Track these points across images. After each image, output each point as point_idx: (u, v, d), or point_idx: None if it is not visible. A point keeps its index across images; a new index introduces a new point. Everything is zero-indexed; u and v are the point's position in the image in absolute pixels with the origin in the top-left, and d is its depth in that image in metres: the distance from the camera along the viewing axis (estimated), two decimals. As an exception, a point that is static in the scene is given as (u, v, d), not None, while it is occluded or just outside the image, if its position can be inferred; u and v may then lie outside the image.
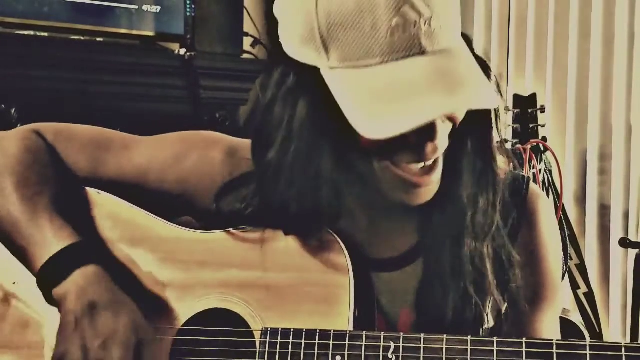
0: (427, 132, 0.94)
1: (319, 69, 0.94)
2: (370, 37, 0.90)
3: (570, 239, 2.68)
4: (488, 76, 1.00)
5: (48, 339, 1.10)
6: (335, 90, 0.93)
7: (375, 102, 0.90)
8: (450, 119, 0.98)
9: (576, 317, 2.62)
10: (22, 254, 1.07)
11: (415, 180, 0.98)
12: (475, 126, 1.03)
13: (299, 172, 0.98)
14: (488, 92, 0.93)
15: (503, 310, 1.09)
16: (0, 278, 1.14)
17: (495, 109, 1.03)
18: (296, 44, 0.95)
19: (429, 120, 0.89)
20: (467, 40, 0.99)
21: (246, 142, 1.15)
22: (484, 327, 1.08)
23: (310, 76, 0.95)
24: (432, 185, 1.00)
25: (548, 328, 1.14)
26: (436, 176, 1.00)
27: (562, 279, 2.59)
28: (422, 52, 0.90)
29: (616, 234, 2.91)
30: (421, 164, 0.98)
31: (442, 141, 0.97)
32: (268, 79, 1.01)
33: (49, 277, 1.04)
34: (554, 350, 0.93)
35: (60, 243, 1.04)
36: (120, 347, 0.99)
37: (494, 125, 1.04)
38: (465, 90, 0.90)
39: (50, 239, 1.05)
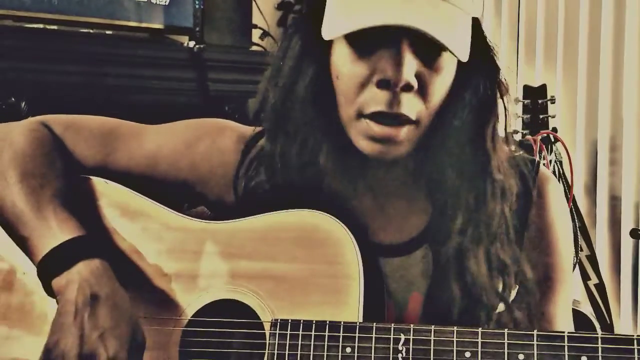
0: (391, 76, 0.96)
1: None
2: None
3: (581, 230, 2.67)
4: (495, 59, 1.05)
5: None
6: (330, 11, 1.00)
7: (346, 10, 0.97)
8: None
9: (587, 309, 2.62)
10: (24, 244, 1.07)
11: (379, 132, 0.99)
12: (491, 107, 1.05)
13: (281, 99, 1.06)
14: (463, 42, 0.98)
15: (514, 293, 1.09)
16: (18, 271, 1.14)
17: (504, 94, 1.05)
18: None
19: (377, 24, 0.94)
20: (477, 23, 1.00)
21: (256, 130, 1.16)
22: (495, 311, 1.08)
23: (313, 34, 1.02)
24: (397, 144, 1.01)
25: (560, 310, 1.14)
26: (402, 136, 1.00)
27: (573, 270, 2.59)
28: None
29: (627, 225, 2.90)
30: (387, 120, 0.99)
31: (409, 99, 0.98)
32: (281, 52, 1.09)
33: (50, 267, 1.03)
34: (566, 343, 0.92)
35: (65, 234, 1.04)
36: (117, 341, 0.99)
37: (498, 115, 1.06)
38: (439, 22, 0.95)
39: (55, 230, 1.05)
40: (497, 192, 1.06)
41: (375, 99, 0.98)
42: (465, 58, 0.98)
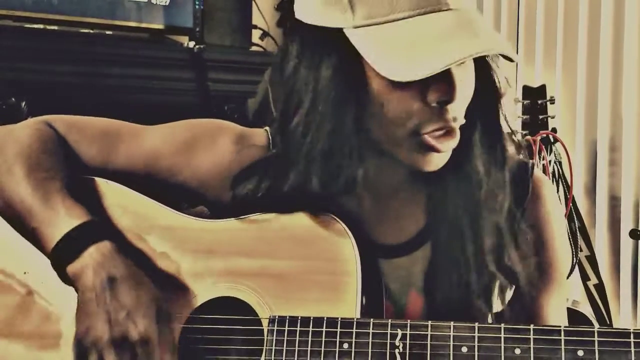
0: (447, 93, 0.97)
1: (340, 31, 0.98)
2: None
3: (581, 231, 2.67)
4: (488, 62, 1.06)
5: (65, 331, 1.10)
6: (362, 46, 0.97)
7: (404, 49, 0.95)
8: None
9: (586, 309, 2.62)
10: (35, 235, 1.07)
11: (433, 143, 1.00)
12: (483, 104, 1.05)
13: (325, 132, 1.01)
14: (506, 43, 0.99)
15: (510, 292, 1.10)
16: (18, 272, 1.14)
17: (499, 88, 1.06)
18: (319, 7, 0.99)
19: (457, 60, 0.93)
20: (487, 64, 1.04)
21: (254, 130, 1.17)
22: (492, 310, 1.09)
23: (331, 39, 0.99)
24: (447, 151, 1.02)
25: (555, 310, 1.14)
26: (452, 144, 1.02)
27: (572, 270, 2.59)
28: (447, 8, 0.96)
29: (626, 225, 2.90)
30: (441, 131, 1.00)
31: (459, 107, 1.00)
32: (285, 53, 1.04)
33: (63, 255, 1.04)
34: (562, 337, 0.92)
35: (74, 220, 1.05)
36: (145, 317, 1.00)
37: (499, 102, 1.07)
38: (486, 36, 0.96)
39: (63, 218, 1.05)
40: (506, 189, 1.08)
41: (433, 118, 0.99)
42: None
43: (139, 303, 1.01)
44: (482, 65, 1.04)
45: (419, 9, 0.95)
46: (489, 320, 1.09)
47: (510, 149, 1.12)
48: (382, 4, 0.96)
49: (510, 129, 1.12)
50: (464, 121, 1.02)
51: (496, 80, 1.06)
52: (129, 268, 1.04)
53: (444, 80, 0.96)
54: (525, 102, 2.76)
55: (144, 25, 2.75)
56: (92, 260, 1.02)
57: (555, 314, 1.14)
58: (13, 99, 2.48)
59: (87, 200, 1.11)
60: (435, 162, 1.02)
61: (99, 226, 1.07)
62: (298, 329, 1.01)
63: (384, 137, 1.02)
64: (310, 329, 1.00)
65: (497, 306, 1.10)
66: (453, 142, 1.02)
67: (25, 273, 1.13)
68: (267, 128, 1.17)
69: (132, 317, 0.99)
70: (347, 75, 0.99)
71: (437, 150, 1.00)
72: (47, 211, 1.06)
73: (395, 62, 0.95)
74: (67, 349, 1.08)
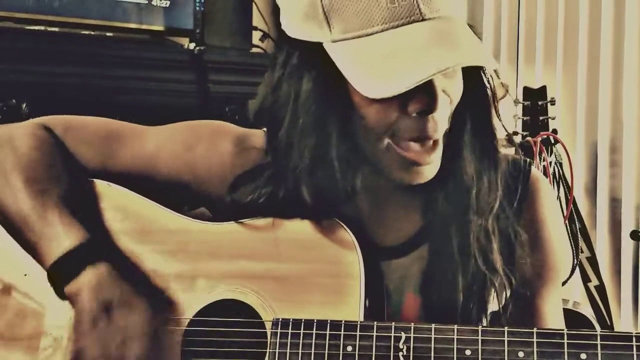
0: (427, 104, 0.96)
1: (322, 44, 0.97)
2: (371, 7, 0.93)
3: (581, 232, 2.67)
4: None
5: (47, 329, 1.10)
6: (339, 60, 0.96)
7: (379, 64, 0.93)
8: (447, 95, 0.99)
9: (587, 310, 2.62)
10: (33, 248, 1.08)
11: (415, 158, 0.99)
12: (474, 106, 1.05)
13: (308, 146, 1.01)
14: (485, 53, 0.97)
15: (508, 292, 1.10)
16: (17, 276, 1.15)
17: (492, 89, 1.06)
18: (299, 22, 0.99)
19: (431, 74, 0.91)
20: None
21: (254, 132, 1.16)
22: (488, 310, 1.09)
23: (313, 53, 0.98)
24: (432, 164, 1.01)
25: (553, 310, 1.14)
26: (436, 155, 1.01)
27: (573, 271, 2.59)
28: (421, 18, 0.94)
29: (627, 226, 2.90)
30: (421, 144, 0.99)
31: (441, 117, 0.99)
32: (274, 62, 1.04)
33: (60, 274, 1.05)
34: (565, 341, 0.93)
35: (71, 240, 1.05)
36: (138, 342, 1.01)
37: (492, 104, 1.06)
38: (463, 47, 0.94)
39: (61, 235, 1.06)
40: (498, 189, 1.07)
41: (413, 127, 0.98)
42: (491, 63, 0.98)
43: (133, 328, 1.02)
44: (474, 67, 1.03)
45: (393, 22, 0.93)
46: (484, 321, 1.09)
47: (509, 150, 1.12)
48: (356, 18, 0.94)
49: (507, 130, 1.12)
50: (446, 127, 1.01)
51: (489, 81, 1.06)
52: (124, 291, 1.04)
53: (425, 91, 0.95)
54: (526, 103, 2.76)
55: (144, 26, 2.75)
56: (88, 283, 1.03)
57: (552, 315, 1.14)
58: (14, 101, 2.49)
59: (86, 206, 1.11)
60: (424, 174, 1.01)
61: (96, 246, 1.07)
62: (301, 331, 1.01)
63: (369, 150, 1.01)
64: (314, 331, 1.00)
65: (493, 307, 1.10)
66: (435, 154, 1.01)
67: (25, 275, 1.13)
68: (264, 129, 1.16)
69: (126, 343, 1.01)
70: (328, 89, 0.98)
71: (419, 164, 1.00)
72: (45, 226, 1.07)
73: (369, 77, 0.94)
74: (63, 353, 1.09)
